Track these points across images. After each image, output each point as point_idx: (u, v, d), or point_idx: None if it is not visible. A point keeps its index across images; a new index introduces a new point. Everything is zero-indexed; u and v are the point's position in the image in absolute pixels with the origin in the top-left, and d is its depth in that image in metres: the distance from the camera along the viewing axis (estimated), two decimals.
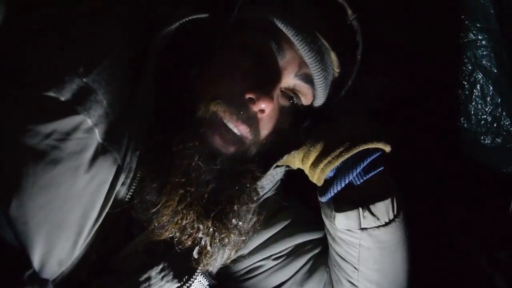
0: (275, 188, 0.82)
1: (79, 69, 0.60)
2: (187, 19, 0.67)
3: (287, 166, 0.81)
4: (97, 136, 0.61)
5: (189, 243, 0.67)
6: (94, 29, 0.64)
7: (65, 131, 0.58)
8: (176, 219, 0.64)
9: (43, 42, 0.60)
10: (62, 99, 0.58)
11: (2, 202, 0.55)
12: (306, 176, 0.78)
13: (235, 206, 0.68)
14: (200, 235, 0.66)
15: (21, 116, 0.57)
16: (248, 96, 0.66)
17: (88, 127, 0.60)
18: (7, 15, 0.59)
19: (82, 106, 0.59)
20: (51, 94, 0.58)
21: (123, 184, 0.65)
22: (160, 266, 0.68)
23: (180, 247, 0.67)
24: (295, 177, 0.83)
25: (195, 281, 0.73)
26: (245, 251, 0.84)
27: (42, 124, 0.57)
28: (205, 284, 0.78)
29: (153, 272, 0.68)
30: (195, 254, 0.70)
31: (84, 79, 0.60)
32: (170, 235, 0.66)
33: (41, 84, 0.58)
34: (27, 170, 0.56)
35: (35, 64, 0.59)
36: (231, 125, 0.68)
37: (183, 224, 0.65)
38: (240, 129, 0.68)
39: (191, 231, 0.65)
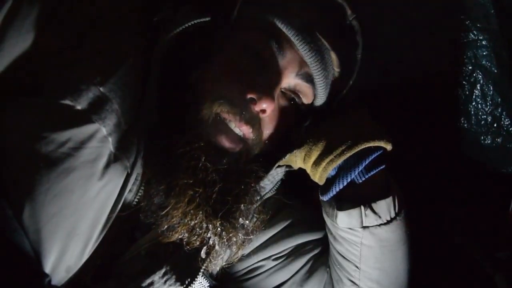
0: (275, 188, 0.83)
1: (96, 78, 0.60)
2: (189, 23, 0.67)
3: (287, 166, 0.81)
4: (110, 145, 0.61)
5: (198, 243, 0.67)
6: (111, 40, 0.65)
7: (80, 139, 0.59)
8: (185, 220, 0.64)
9: (62, 56, 0.61)
10: (78, 107, 0.59)
11: (15, 209, 0.54)
12: (307, 176, 0.78)
13: (242, 205, 0.68)
14: (208, 234, 0.66)
15: (37, 123, 0.57)
16: (249, 96, 0.67)
17: (103, 136, 0.60)
18: (34, 40, 0.59)
19: (98, 115, 0.60)
20: (67, 102, 0.58)
21: (130, 190, 0.66)
22: (163, 270, 0.68)
23: (189, 247, 0.67)
24: (295, 178, 0.83)
25: (196, 282, 0.73)
26: (246, 251, 0.83)
27: (58, 132, 0.57)
28: (205, 285, 0.78)
29: (156, 277, 0.68)
30: (202, 254, 0.70)
31: (100, 88, 0.60)
32: (180, 237, 0.66)
33: (58, 92, 0.58)
34: (40, 178, 0.56)
35: (53, 74, 0.60)
36: (233, 126, 0.68)
37: (192, 224, 0.65)
38: (242, 129, 0.68)
39: (200, 231, 0.65)
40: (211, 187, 0.65)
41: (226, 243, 0.69)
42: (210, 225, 0.65)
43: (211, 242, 0.67)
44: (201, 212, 0.64)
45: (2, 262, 0.53)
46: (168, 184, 0.64)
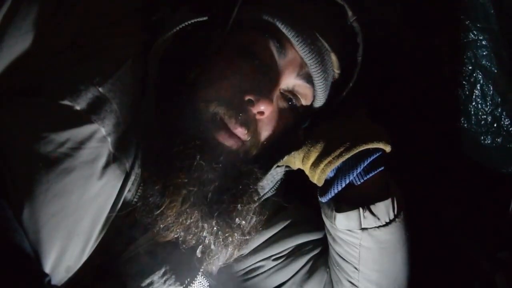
0: (275, 188, 0.82)
1: (94, 78, 0.61)
2: (187, 23, 0.67)
3: (287, 166, 0.81)
4: (109, 145, 0.61)
5: (193, 242, 0.67)
6: (110, 40, 0.65)
7: (79, 139, 0.59)
8: (180, 219, 0.64)
9: (61, 57, 0.61)
10: (77, 108, 0.59)
11: (15, 210, 0.55)
12: (306, 176, 0.78)
13: (239, 206, 0.68)
14: (204, 234, 0.66)
15: (36, 124, 0.58)
16: (247, 98, 0.66)
17: (102, 136, 0.61)
18: (34, 40, 0.59)
19: (97, 116, 0.60)
20: (67, 102, 0.58)
21: (129, 190, 0.66)
22: (162, 270, 0.68)
23: (184, 246, 0.67)
24: (295, 177, 0.83)
25: (196, 282, 0.73)
26: (245, 251, 0.83)
27: (57, 132, 0.57)
28: (205, 285, 0.78)
29: (156, 277, 0.68)
30: (198, 253, 0.70)
31: (99, 89, 0.61)
32: (175, 236, 0.66)
33: (57, 92, 0.59)
34: (40, 178, 0.56)
35: (52, 75, 0.60)
36: (230, 127, 0.67)
37: (187, 223, 0.65)
38: (237, 131, 0.67)
39: (196, 230, 0.65)
40: (206, 186, 0.65)
41: (222, 242, 0.68)
42: (206, 224, 0.65)
43: (206, 241, 0.67)
44: (196, 211, 0.64)
45: (2, 262, 0.53)
46: (163, 183, 0.64)
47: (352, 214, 0.70)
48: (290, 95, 0.73)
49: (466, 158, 0.97)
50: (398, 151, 0.73)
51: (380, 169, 0.71)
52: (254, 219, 0.73)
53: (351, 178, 0.70)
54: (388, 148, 0.72)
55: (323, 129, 0.74)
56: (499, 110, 0.90)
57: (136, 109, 0.66)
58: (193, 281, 0.72)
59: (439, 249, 0.95)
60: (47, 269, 0.58)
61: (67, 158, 0.58)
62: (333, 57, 0.72)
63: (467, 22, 0.89)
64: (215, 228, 0.66)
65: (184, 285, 0.71)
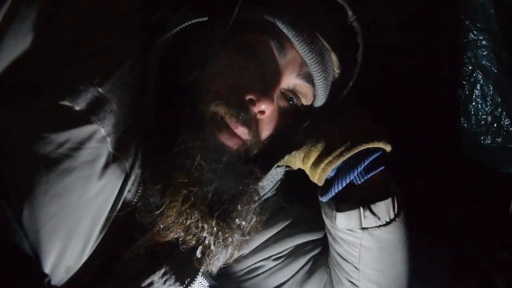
0: (275, 188, 0.83)
1: (94, 78, 0.60)
2: (187, 23, 0.67)
3: (287, 166, 0.81)
4: (109, 145, 0.61)
5: (193, 242, 0.67)
6: (110, 40, 0.65)
7: (78, 140, 0.59)
8: (180, 219, 0.64)
9: (61, 57, 0.61)
10: (77, 108, 0.59)
11: (15, 210, 0.55)
12: (306, 176, 0.78)
13: (239, 206, 0.68)
14: (204, 234, 0.66)
15: (36, 124, 0.57)
16: (248, 97, 0.66)
17: (102, 136, 0.61)
18: (33, 40, 0.59)
19: (97, 116, 0.60)
20: (66, 103, 0.58)
21: (129, 190, 0.66)
22: (162, 270, 0.68)
23: (184, 246, 0.67)
24: (295, 177, 0.83)
25: (196, 282, 0.73)
26: (245, 251, 0.83)
27: (56, 133, 0.57)
28: (205, 285, 0.78)
29: (156, 277, 0.68)
30: (198, 253, 0.69)
31: (99, 89, 0.60)
32: (175, 236, 0.66)
33: (57, 93, 0.59)
34: (40, 178, 0.56)
35: (52, 75, 0.60)
36: (231, 126, 0.67)
37: (187, 224, 0.64)
38: (239, 130, 0.68)
39: (196, 231, 0.65)
40: (206, 187, 0.65)
41: (222, 243, 0.68)
42: (206, 225, 0.65)
43: (206, 241, 0.67)
44: (196, 212, 0.64)
45: (2, 262, 0.53)
46: (163, 183, 0.64)
47: (353, 214, 0.71)
48: (290, 95, 0.73)
49: (466, 158, 0.97)
50: (398, 151, 0.73)
51: (380, 169, 0.71)
52: (254, 219, 0.73)
53: (352, 177, 0.71)
54: (388, 148, 0.72)
55: (323, 129, 0.74)
56: (499, 110, 0.91)
57: (136, 109, 0.66)
58: (193, 281, 0.72)
59: (438, 249, 0.95)
60: (47, 269, 0.58)
61: (67, 158, 0.58)
62: (333, 57, 0.72)
63: (467, 22, 0.90)
64: (215, 228, 0.66)
65: (184, 285, 0.71)
